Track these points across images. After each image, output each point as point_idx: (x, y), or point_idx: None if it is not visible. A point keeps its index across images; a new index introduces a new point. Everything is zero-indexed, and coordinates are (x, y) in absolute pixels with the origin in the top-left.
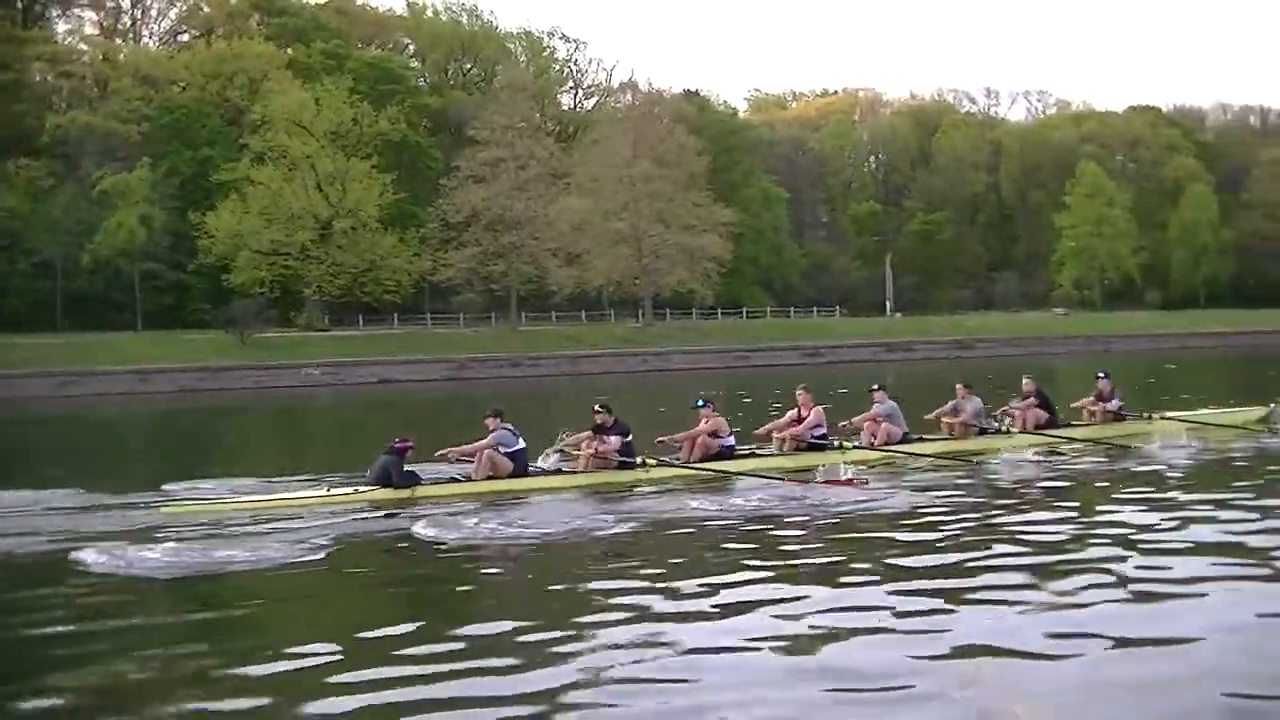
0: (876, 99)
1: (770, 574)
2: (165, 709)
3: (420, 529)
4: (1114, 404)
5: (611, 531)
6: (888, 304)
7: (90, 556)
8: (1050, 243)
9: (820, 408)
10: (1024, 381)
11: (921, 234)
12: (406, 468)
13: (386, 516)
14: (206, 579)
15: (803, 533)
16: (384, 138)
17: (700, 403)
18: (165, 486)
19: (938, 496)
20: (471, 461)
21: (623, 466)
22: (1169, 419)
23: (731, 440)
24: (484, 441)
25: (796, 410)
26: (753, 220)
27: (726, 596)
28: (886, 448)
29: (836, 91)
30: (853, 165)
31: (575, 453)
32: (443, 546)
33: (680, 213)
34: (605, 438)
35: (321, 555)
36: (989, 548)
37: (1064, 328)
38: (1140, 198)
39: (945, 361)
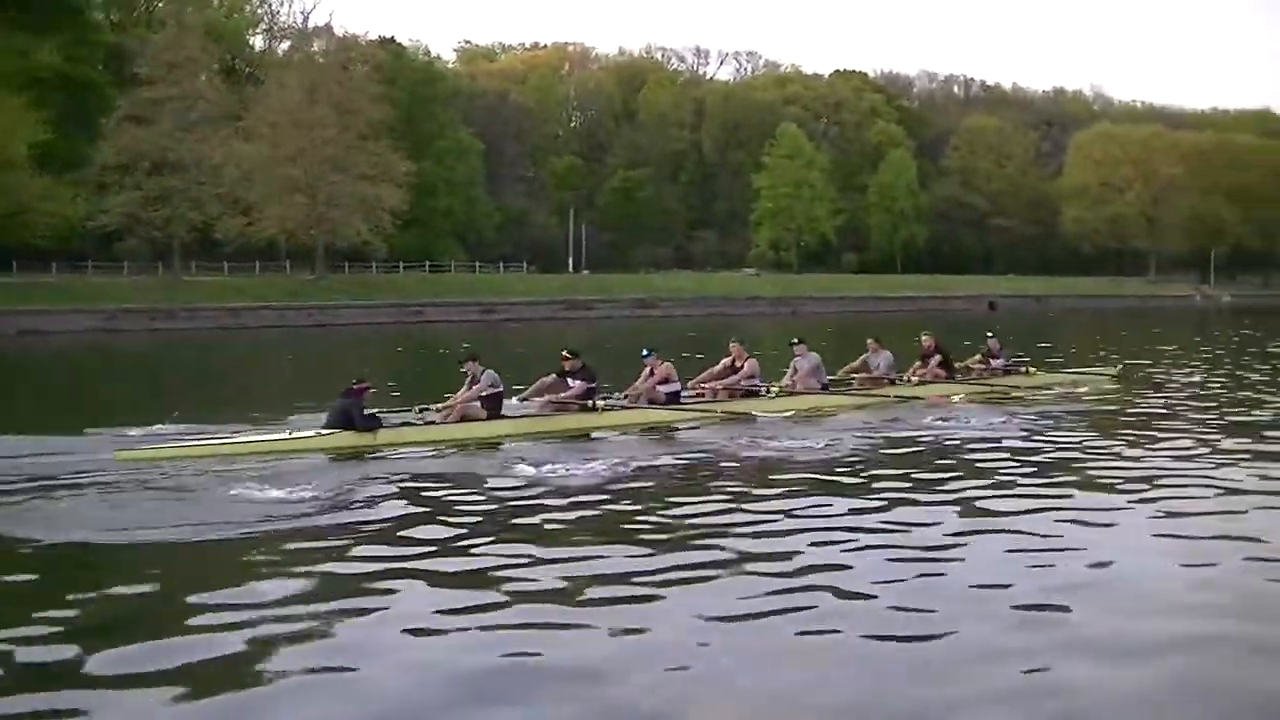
0: (586, 54)
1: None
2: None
3: (388, 471)
4: (1000, 361)
5: (583, 473)
6: (570, 261)
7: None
8: (750, 203)
9: (754, 359)
10: (923, 338)
11: (621, 191)
12: (366, 410)
13: (353, 459)
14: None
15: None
16: (36, 73)
17: (646, 352)
18: None
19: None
20: (473, 405)
21: (583, 410)
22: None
23: (678, 387)
24: (480, 385)
25: (731, 360)
26: (447, 172)
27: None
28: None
29: (545, 45)
30: (556, 120)
31: (537, 399)
32: (426, 489)
33: (358, 161)
34: (570, 382)
35: (297, 498)
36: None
37: (753, 288)
38: (841, 161)
39: (626, 321)
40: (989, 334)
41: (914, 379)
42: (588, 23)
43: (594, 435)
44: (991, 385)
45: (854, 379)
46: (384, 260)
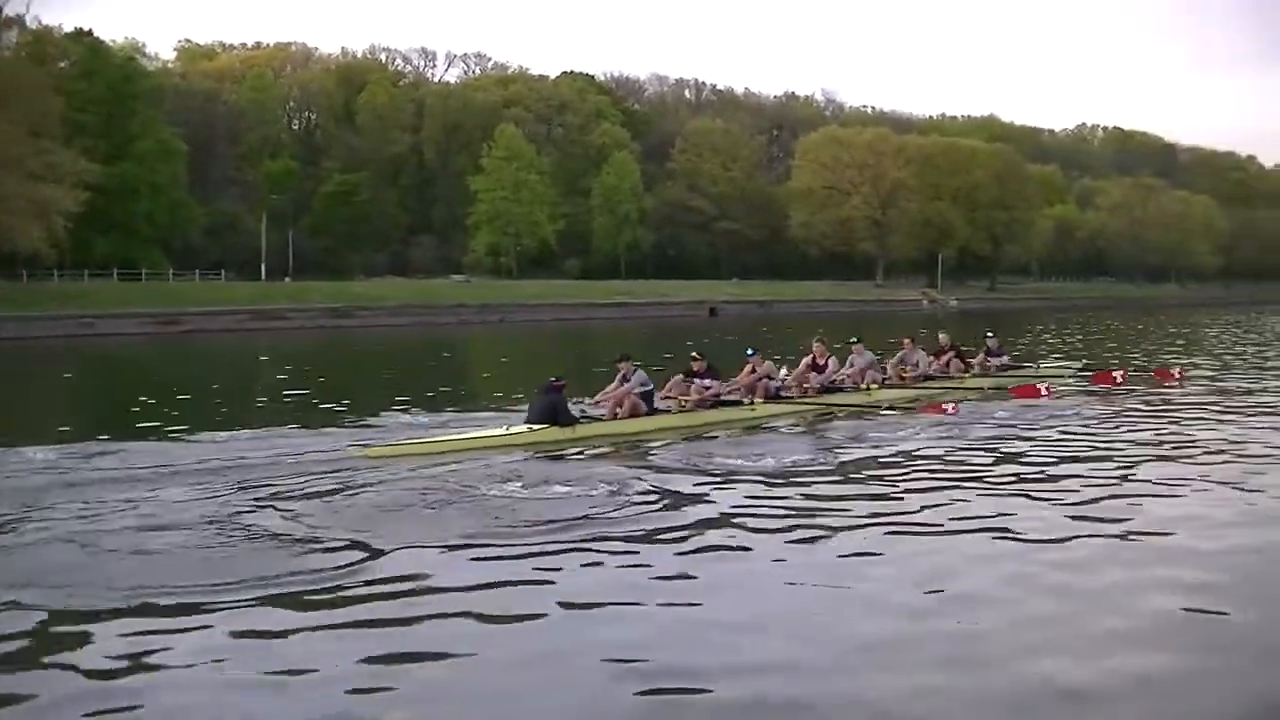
0: (308, 54)
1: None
2: None
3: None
4: (1002, 359)
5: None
6: (265, 269)
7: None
8: (469, 207)
9: (835, 357)
10: (940, 336)
11: (337, 195)
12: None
13: (558, 452)
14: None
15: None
16: None
17: (751, 351)
18: None
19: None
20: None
21: (725, 404)
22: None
23: (778, 383)
24: (632, 384)
25: (811, 358)
26: (148, 174)
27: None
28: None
29: (267, 45)
30: (274, 122)
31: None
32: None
33: (25, 159)
34: (701, 381)
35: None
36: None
37: (461, 296)
38: (564, 164)
39: (321, 332)
40: (989, 333)
41: (934, 372)
42: (312, 23)
43: (763, 427)
44: (1022, 377)
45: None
46: (73, 268)
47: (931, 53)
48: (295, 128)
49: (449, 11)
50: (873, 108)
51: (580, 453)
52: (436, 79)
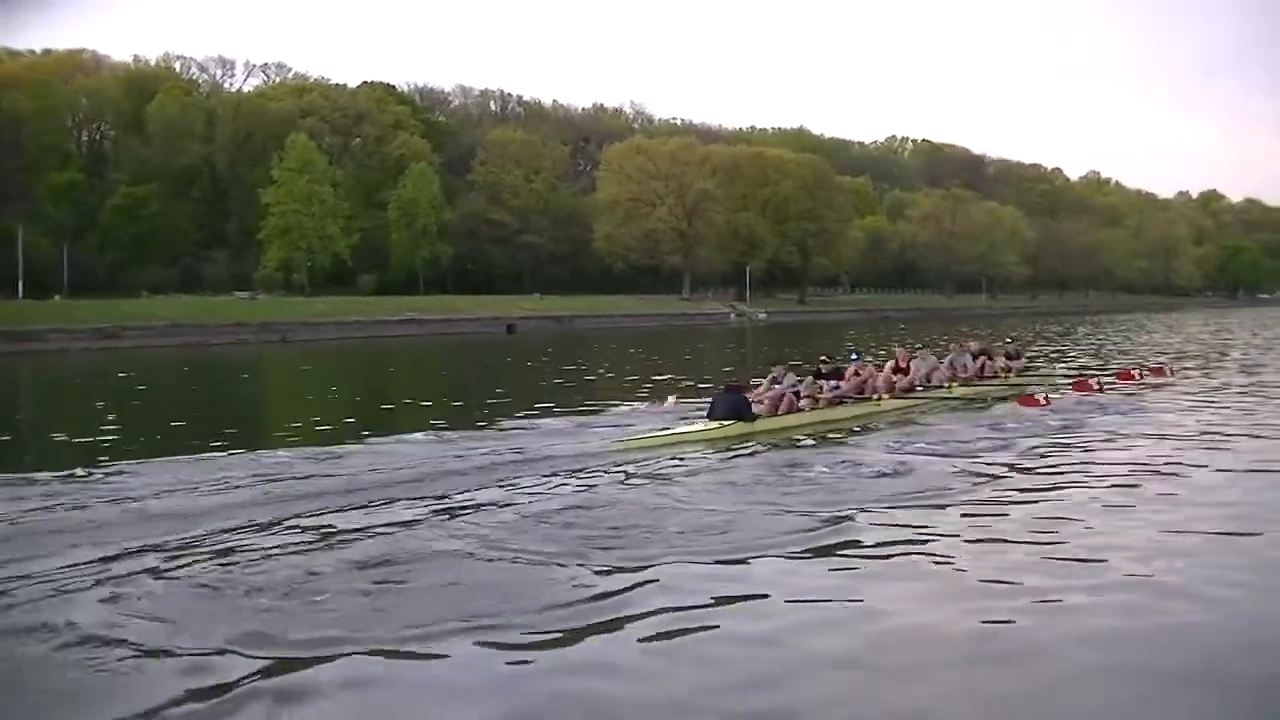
0: (99, 61)
1: None
2: None
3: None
4: (1020, 363)
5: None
6: (20, 285)
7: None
8: (261, 221)
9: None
10: (971, 344)
11: (124, 209)
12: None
13: (744, 443)
14: None
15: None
16: None
17: (855, 355)
18: None
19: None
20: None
21: (856, 401)
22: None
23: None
24: (785, 385)
25: (894, 362)
26: None
27: None
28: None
29: (56, 51)
30: (58, 132)
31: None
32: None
33: None
34: (831, 381)
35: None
36: None
37: (241, 314)
38: (362, 176)
39: (85, 355)
40: (1008, 338)
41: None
42: (104, 30)
43: (906, 419)
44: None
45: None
46: None
47: (741, 67)
48: (83, 138)
49: (248, 21)
50: (682, 120)
51: (777, 444)
52: (235, 89)
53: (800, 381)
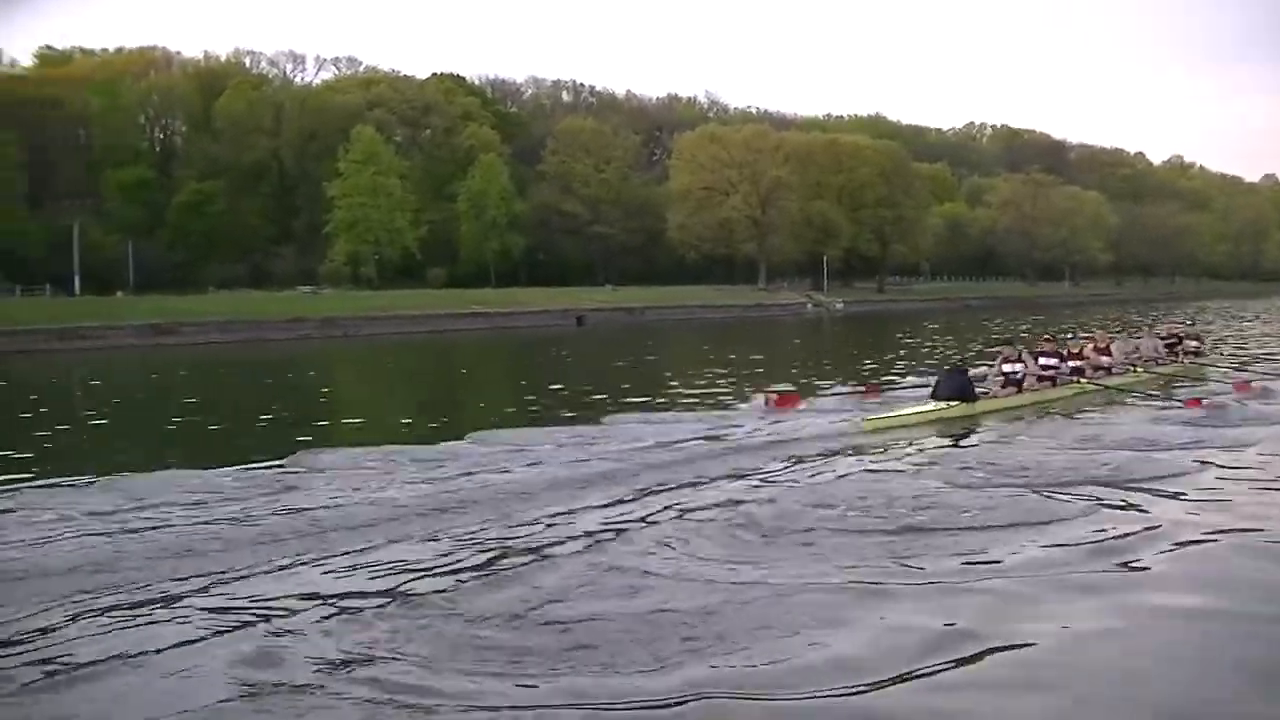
0: (170, 58)
1: None
2: None
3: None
4: (1202, 345)
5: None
6: (77, 281)
7: None
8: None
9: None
10: (1098, 334)
11: (192, 205)
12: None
13: (967, 422)
14: None
15: None
16: None
17: (1070, 336)
18: None
19: None
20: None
21: (1066, 382)
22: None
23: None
24: (996, 368)
25: (1093, 345)
26: None
27: None
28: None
29: (127, 49)
30: (127, 129)
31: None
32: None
33: None
34: (1049, 360)
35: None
36: None
37: (302, 309)
38: (431, 167)
39: (134, 352)
40: (1186, 320)
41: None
42: (175, 27)
43: (1116, 400)
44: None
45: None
46: None
47: (817, 54)
48: (155, 135)
49: (319, 15)
50: (757, 109)
51: (1007, 422)
52: (306, 83)
53: (1021, 362)
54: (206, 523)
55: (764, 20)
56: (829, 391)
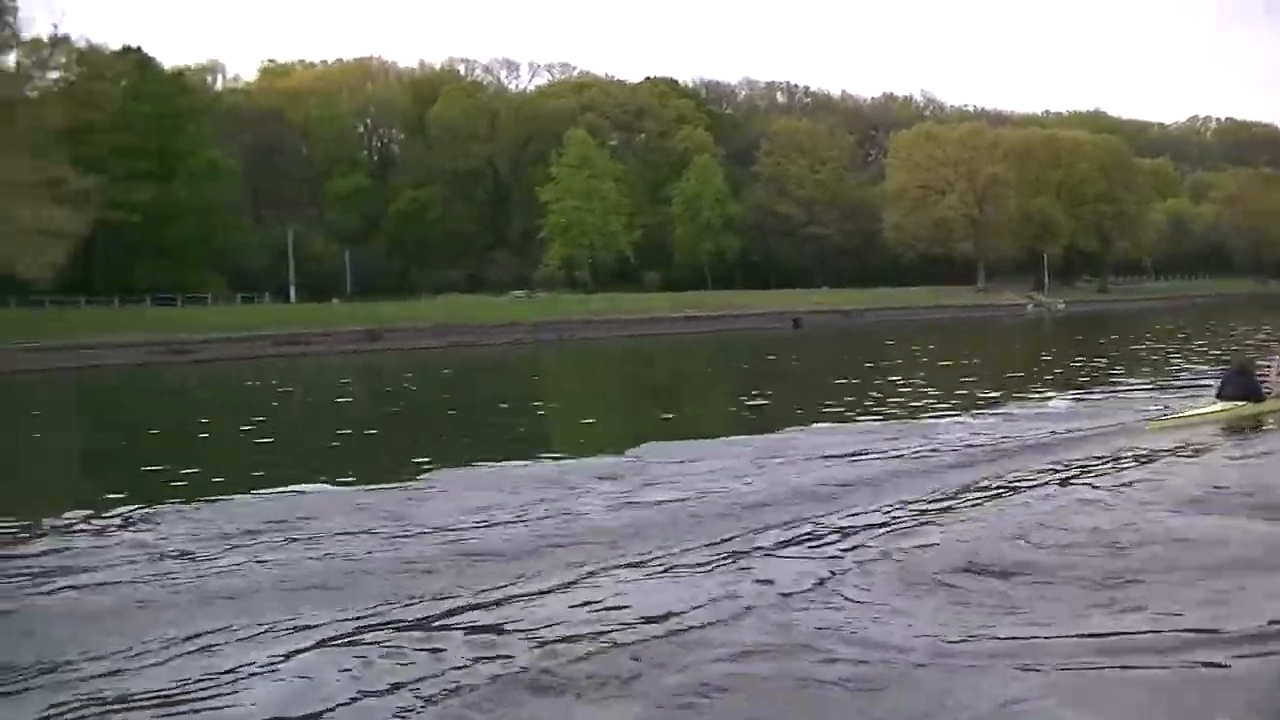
0: (386, 68)
1: None
2: None
3: None
4: None
5: None
6: (292, 289)
7: None
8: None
9: None
10: None
11: (408, 212)
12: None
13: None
14: None
15: None
16: None
17: None
18: None
19: None
20: None
21: None
22: None
23: None
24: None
25: None
26: (197, 195)
27: None
28: None
29: (344, 60)
30: (345, 139)
31: None
32: None
33: (22, 179)
34: None
35: None
36: None
37: (512, 313)
38: (645, 171)
39: (347, 358)
40: None
41: None
42: (391, 37)
43: None
44: None
45: None
46: (119, 292)
47: (1034, 50)
48: (372, 144)
49: (532, 22)
50: (973, 106)
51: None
52: (520, 89)
53: None
54: (564, 515)
55: (980, 17)
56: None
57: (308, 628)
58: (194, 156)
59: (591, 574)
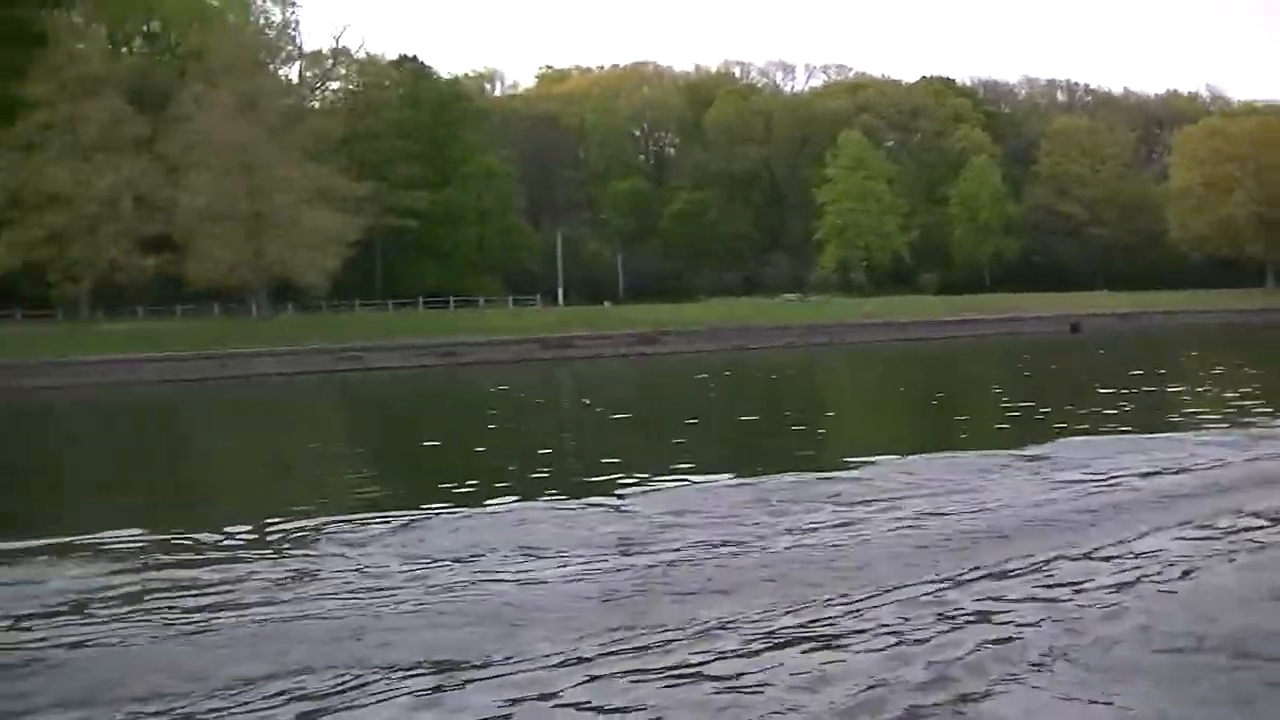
0: (660, 73)
1: None
2: None
3: None
4: None
5: None
6: (560, 291)
7: None
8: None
9: None
10: None
11: (684, 214)
12: None
13: None
14: None
15: None
16: None
17: None
18: None
19: None
20: None
21: None
22: None
23: None
24: None
25: None
26: (474, 199)
27: None
28: None
29: (620, 66)
30: (620, 143)
31: None
32: None
33: (297, 183)
34: None
35: None
36: None
37: (784, 316)
38: (921, 171)
39: (616, 362)
40: None
41: None
42: (666, 42)
43: None
44: None
45: None
46: (398, 297)
47: None
48: (648, 147)
49: (808, 23)
50: (1263, 101)
51: None
52: (795, 91)
53: None
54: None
55: (1269, 6)
56: None
57: None
58: (470, 162)
59: None
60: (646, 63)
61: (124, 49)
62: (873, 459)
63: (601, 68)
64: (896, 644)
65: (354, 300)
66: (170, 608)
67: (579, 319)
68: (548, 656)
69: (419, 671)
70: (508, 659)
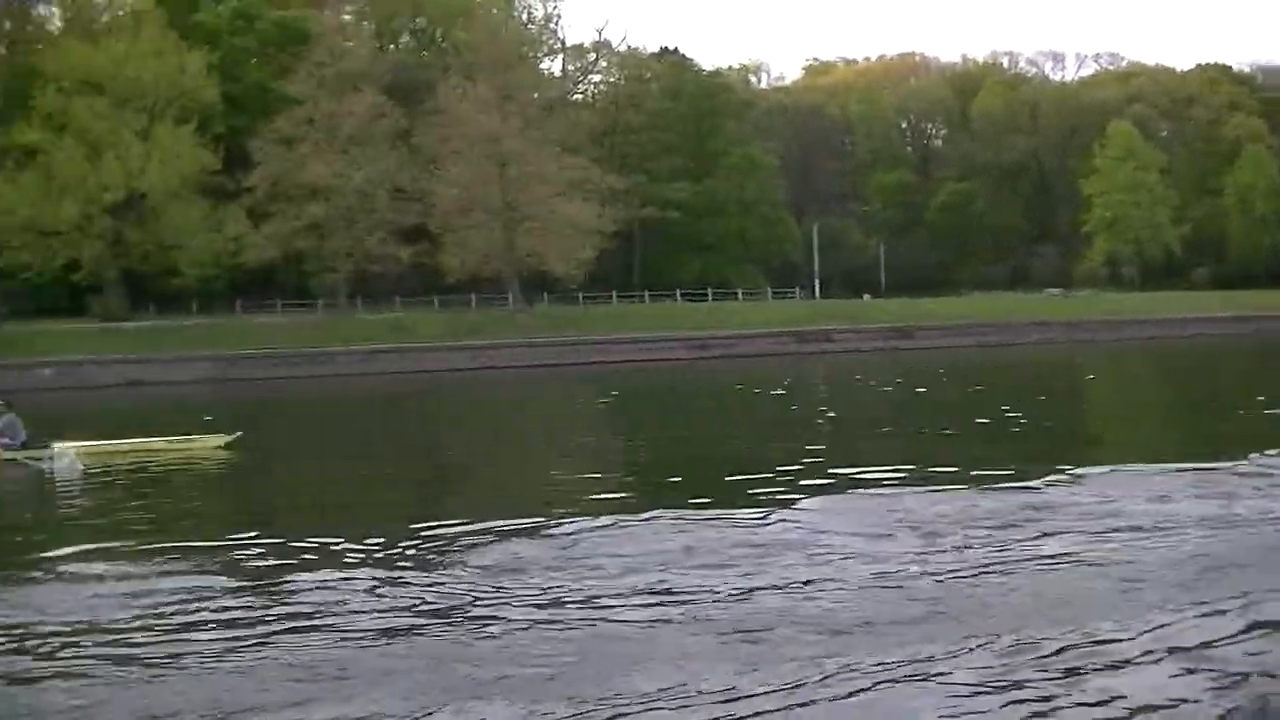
0: (927, 64)
1: None
2: None
3: None
4: None
5: None
6: (816, 284)
7: None
8: (1087, 213)
9: None
10: None
11: (950, 206)
12: None
13: None
14: None
15: None
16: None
17: None
18: None
19: None
20: None
21: None
22: None
23: None
24: None
25: None
26: (736, 190)
27: None
28: None
29: (886, 57)
30: (885, 134)
31: None
32: None
33: (555, 177)
34: None
35: None
36: None
37: (1046, 312)
38: (1194, 161)
39: (868, 356)
40: None
41: None
42: (933, 33)
43: None
44: None
45: None
46: (655, 290)
47: None
48: (914, 138)
49: (1079, 12)
50: None
51: None
52: (1064, 81)
53: None
54: None
55: None
56: None
57: None
58: (731, 154)
59: None
60: (912, 54)
61: (391, 45)
62: None
63: (867, 59)
64: None
65: (612, 292)
66: None
67: (831, 313)
68: None
69: None
70: None
